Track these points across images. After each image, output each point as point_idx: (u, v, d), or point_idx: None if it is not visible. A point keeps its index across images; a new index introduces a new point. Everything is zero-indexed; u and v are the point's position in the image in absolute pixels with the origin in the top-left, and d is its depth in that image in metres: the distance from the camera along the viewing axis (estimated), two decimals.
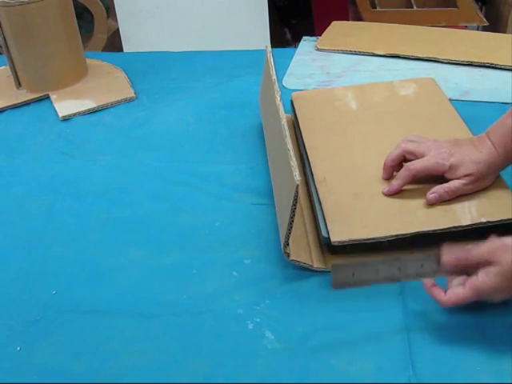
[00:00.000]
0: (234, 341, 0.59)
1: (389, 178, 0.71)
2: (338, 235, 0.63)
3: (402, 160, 0.70)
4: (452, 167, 0.66)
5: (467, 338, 0.57)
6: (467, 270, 0.57)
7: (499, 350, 0.56)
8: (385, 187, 0.69)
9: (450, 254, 0.57)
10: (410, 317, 0.60)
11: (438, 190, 0.66)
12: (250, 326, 0.60)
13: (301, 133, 0.82)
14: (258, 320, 0.61)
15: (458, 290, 0.56)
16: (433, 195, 0.66)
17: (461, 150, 0.67)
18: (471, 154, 0.67)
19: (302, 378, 0.55)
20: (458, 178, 0.66)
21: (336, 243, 0.63)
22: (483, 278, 0.55)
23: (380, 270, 0.57)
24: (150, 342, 0.60)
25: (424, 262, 0.57)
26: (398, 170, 0.70)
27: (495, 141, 0.66)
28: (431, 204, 0.66)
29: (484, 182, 0.67)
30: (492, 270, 0.54)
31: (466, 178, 0.66)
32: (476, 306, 0.60)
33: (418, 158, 0.69)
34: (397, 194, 0.68)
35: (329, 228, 0.65)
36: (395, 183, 0.68)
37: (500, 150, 0.66)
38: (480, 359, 0.55)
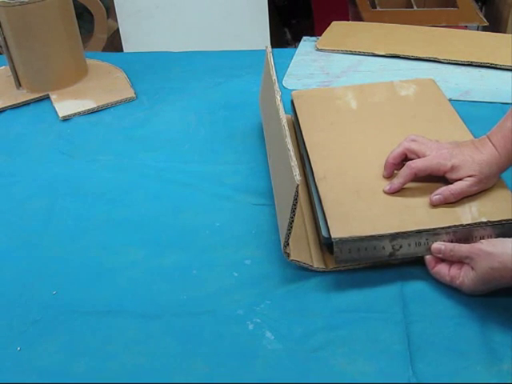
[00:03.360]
0: (234, 341, 0.59)
1: (390, 176, 0.71)
2: (338, 232, 0.63)
3: (404, 159, 0.70)
4: (454, 168, 0.66)
5: (467, 337, 0.57)
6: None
7: (499, 350, 0.56)
8: (386, 185, 0.69)
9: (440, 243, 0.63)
10: (409, 317, 0.60)
11: (444, 191, 0.66)
12: (250, 327, 0.60)
13: (301, 131, 0.82)
14: (258, 320, 0.61)
15: (445, 278, 0.62)
16: (437, 197, 0.66)
17: (462, 151, 0.67)
18: (473, 155, 0.66)
19: (302, 378, 0.55)
20: (460, 179, 0.66)
21: (337, 239, 0.63)
22: (463, 279, 0.60)
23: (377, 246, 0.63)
24: (150, 342, 0.60)
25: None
26: (399, 169, 0.70)
27: (496, 142, 0.66)
28: (435, 205, 0.66)
29: (487, 183, 0.67)
30: (470, 274, 0.59)
31: (469, 178, 0.66)
32: (476, 307, 0.60)
33: (419, 158, 0.69)
34: (398, 192, 0.68)
35: (329, 225, 0.64)
36: (396, 181, 0.68)
37: (501, 151, 0.66)
38: (480, 359, 0.55)
